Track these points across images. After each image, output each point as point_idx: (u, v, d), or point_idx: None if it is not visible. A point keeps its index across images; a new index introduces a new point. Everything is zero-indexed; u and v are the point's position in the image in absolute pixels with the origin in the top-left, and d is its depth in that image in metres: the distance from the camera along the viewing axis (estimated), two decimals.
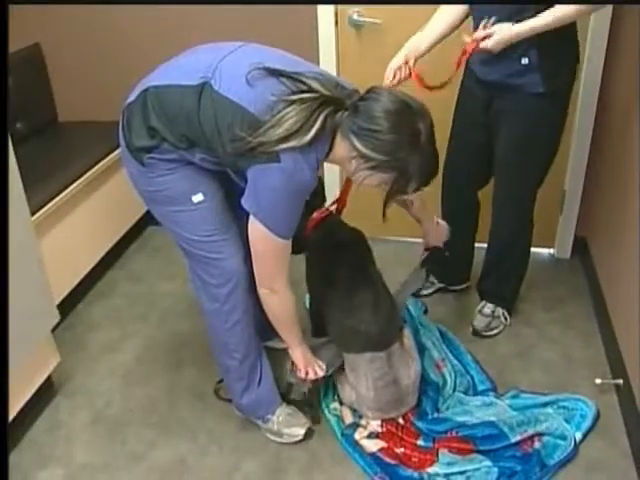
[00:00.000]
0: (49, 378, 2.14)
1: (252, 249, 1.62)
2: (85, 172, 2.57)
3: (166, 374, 2.27)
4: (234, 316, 1.80)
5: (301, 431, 1.94)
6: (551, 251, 2.88)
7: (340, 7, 2.58)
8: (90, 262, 2.69)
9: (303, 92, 1.47)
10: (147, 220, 3.12)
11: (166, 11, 2.74)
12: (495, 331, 2.38)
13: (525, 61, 1.91)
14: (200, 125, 1.54)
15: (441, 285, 2.61)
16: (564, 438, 1.87)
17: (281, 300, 1.71)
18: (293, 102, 1.45)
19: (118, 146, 2.71)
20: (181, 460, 1.93)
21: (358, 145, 1.46)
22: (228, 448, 1.96)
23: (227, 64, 1.55)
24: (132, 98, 1.65)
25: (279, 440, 1.95)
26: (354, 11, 2.56)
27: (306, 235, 1.96)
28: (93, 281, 2.75)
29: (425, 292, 2.59)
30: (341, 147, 1.52)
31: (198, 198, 1.66)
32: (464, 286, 2.60)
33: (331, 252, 1.98)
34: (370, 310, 1.89)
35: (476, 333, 2.37)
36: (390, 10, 2.53)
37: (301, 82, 1.48)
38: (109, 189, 2.78)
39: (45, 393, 2.13)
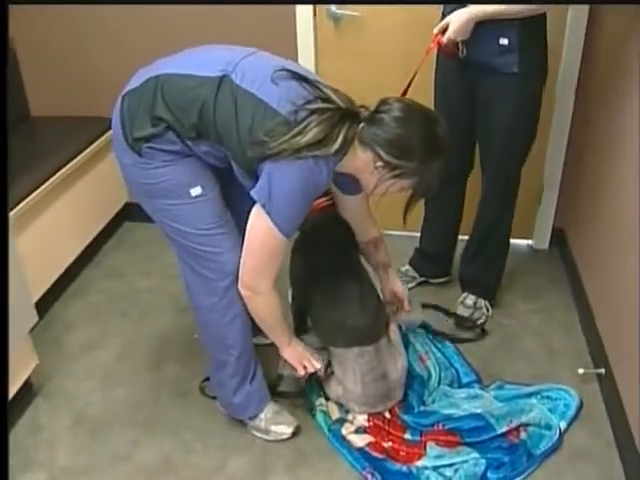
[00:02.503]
0: (27, 380, 2.08)
1: (248, 242, 1.60)
2: (59, 169, 2.50)
3: (148, 372, 2.23)
4: (233, 310, 1.77)
5: (288, 430, 1.92)
6: (529, 242, 2.91)
7: None
8: (66, 260, 2.63)
9: (323, 101, 1.49)
10: (123, 216, 3.08)
11: (141, 6, 2.68)
12: (478, 322, 2.39)
13: (504, 41, 1.95)
14: (214, 118, 1.52)
15: (422, 279, 2.62)
16: (549, 428, 1.89)
17: (266, 301, 1.70)
18: (315, 111, 1.47)
19: (93, 142, 2.74)
20: (166, 459, 1.90)
21: (382, 154, 1.50)
22: (213, 446, 1.94)
23: (248, 63, 1.56)
24: (135, 85, 1.61)
25: (266, 438, 1.94)
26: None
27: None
28: (69, 279, 2.69)
29: (407, 286, 2.59)
30: (361, 158, 1.55)
31: (196, 191, 1.64)
32: (445, 279, 2.61)
33: (316, 246, 1.97)
34: (356, 304, 1.88)
35: (459, 325, 2.38)
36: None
37: (320, 90, 1.51)
38: (84, 185, 2.72)
39: (24, 395, 2.08)
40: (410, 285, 2.60)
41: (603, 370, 2.06)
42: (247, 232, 1.60)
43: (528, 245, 2.90)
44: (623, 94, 2.10)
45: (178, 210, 1.66)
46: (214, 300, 1.77)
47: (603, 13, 2.35)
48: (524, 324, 2.41)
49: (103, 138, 2.79)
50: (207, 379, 2.07)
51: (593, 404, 2.03)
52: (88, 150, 2.69)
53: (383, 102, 1.54)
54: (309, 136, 1.46)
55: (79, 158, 2.63)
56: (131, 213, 3.08)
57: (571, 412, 1.96)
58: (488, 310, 2.43)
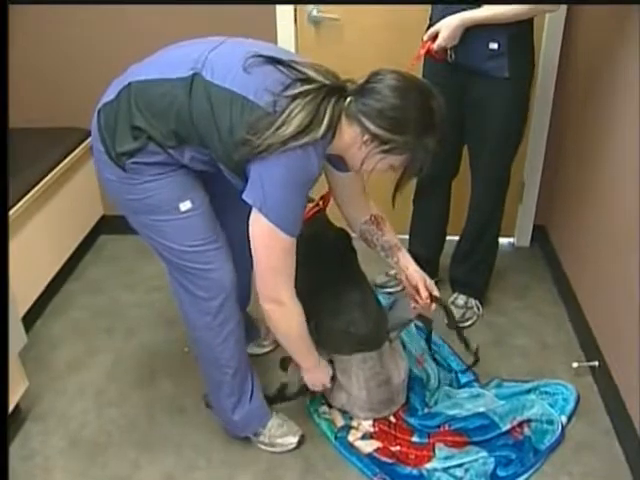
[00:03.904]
0: (17, 404, 1.99)
1: (255, 252, 1.51)
2: (36, 184, 2.39)
3: (141, 389, 2.16)
4: (227, 328, 1.71)
5: (294, 439, 1.89)
6: (511, 240, 2.95)
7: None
8: (46, 276, 2.54)
9: (302, 82, 1.41)
10: (98, 229, 2.99)
11: (119, 10, 2.61)
12: (469, 322, 2.42)
13: (493, 46, 1.97)
14: (192, 120, 1.45)
15: None
16: (551, 423, 1.92)
17: (292, 311, 1.60)
18: (296, 97, 1.39)
19: (68, 154, 2.65)
20: (169, 478, 1.84)
21: (371, 127, 1.41)
22: (217, 461, 1.89)
23: (217, 55, 1.47)
24: (111, 97, 1.53)
25: (272, 450, 1.90)
26: (313, 7, 2.53)
27: None
28: (50, 295, 2.60)
29: (396, 289, 2.59)
30: (348, 133, 1.46)
31: (186, 206, 1.56)
32: (434, 280, 2.61)
33: (315, 253, 1.95)
34: (359, 310, 1.87)
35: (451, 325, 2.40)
36: (349, 5, 2.52)
37: (297, 70, 1.43)
38: (61, 200, 2.62)
39: (13, 420, 1.99)
40: (400, 288, 2.60)
41: (597, 362, 2.10)
42: (251, 240, 1.51)
43: (510, 243, 2.95)
44: (604, 90, 2.15)
45: (167, 226, 1.59)
46: (207, 319, 1.70)
47: (580, 14, 2.41)
48: (514, 321, 2.44)
49: (78, 150, 2.70)
50: None
51: (589, 396, 2.07)
52: (63, 163, 2.59)
53: (375, 73, 1.44)
54: (294, 125, 1.37)
55: (55, 171, 2.53)
56: (107, 226, 3.00)
57: (570, 406, 2.00)
58: (479, 309, 2.45)
